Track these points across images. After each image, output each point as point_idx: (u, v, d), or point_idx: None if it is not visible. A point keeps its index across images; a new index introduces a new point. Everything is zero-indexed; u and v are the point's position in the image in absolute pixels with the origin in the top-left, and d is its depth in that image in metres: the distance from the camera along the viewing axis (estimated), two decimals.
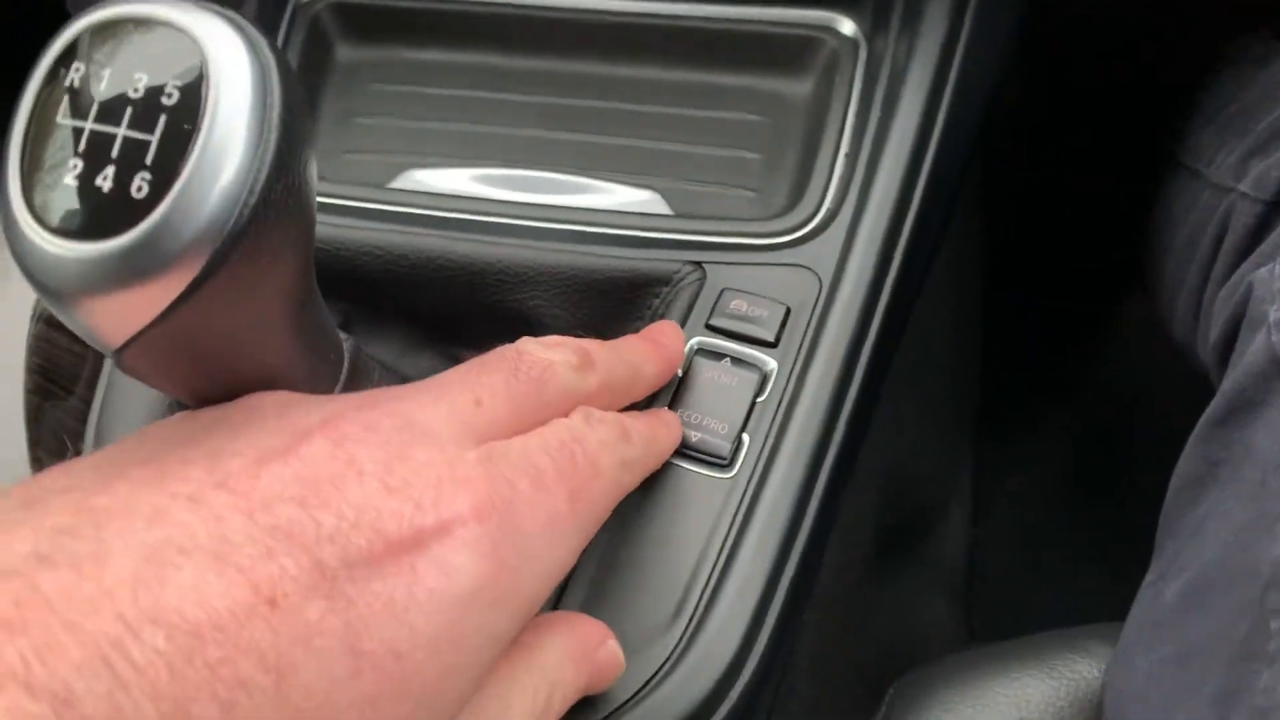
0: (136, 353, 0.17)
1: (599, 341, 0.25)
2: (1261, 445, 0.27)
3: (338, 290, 0.33)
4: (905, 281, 0.32)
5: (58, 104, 0.17)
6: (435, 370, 0.34)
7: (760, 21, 0.36)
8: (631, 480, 0.24)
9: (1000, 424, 0.63)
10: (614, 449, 0.23)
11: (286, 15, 0.39)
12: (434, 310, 0.33)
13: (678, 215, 0.34)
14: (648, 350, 0.27)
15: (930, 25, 0.35)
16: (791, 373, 0.29)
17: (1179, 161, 0.41)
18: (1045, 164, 0.59)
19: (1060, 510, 0.62)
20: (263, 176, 0.16)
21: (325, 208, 0.34)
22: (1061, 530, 0.61)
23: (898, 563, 0.53)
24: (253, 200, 0.16)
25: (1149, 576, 0.31)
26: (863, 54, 0.36)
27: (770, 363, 0.29)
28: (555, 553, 0.20)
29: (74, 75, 0.17)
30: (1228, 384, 0.29)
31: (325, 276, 0.33)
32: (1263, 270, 0.29)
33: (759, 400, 0.29)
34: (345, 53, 0.39)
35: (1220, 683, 0.25)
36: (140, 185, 0.16)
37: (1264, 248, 0.31)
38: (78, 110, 0.16)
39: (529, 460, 0.20)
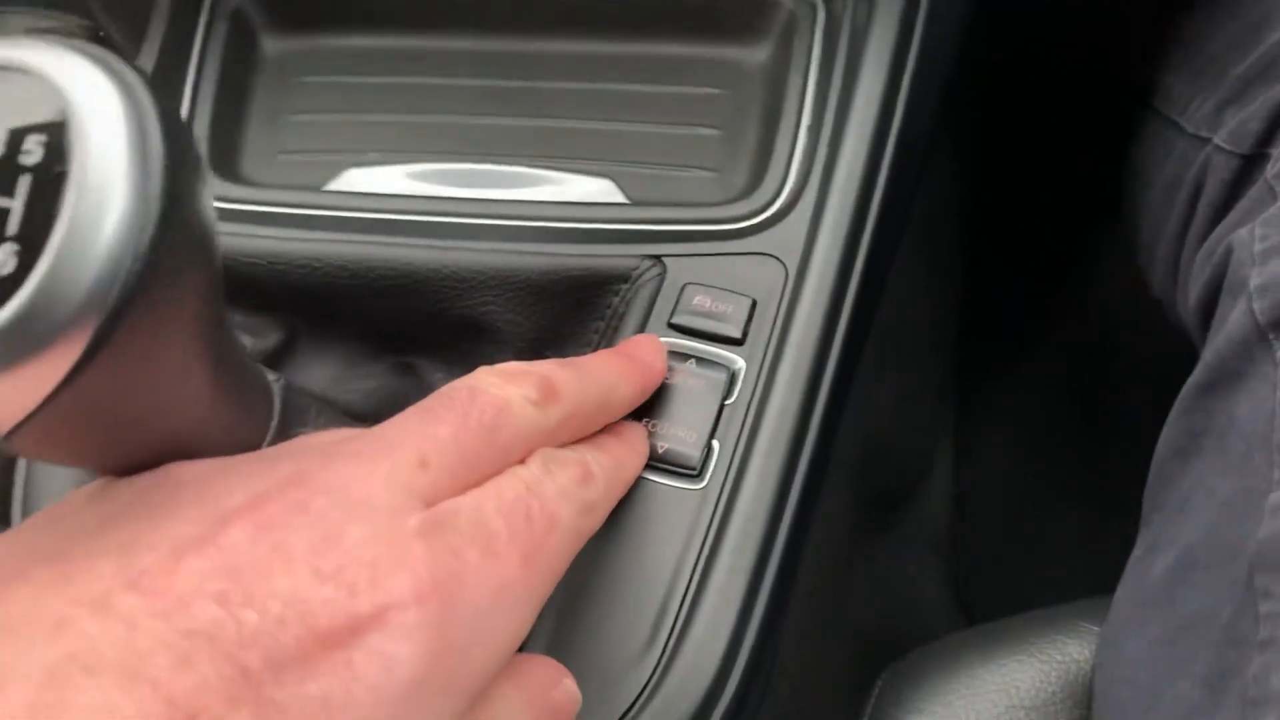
0: (26, 439, 0.16)
1: (567, 366, 0.23)
2: (1245, 417, 0.26)
3: (279, 304, 0.31)
4: (875, 262, 0.31)
5: None
6: (388, 384, 0.32)
7: (706, 4, 0.34)
8: (593, 524, 0.22)
9: (981, 379, 0.62)
10: (574, 496, 0.21)
11: (205, 9, 0.36)
12: (383, 319, 0.31)
13: (633, 204, 0.32)
14: (623, 369, 0.25)
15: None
16: (760, 371, 0.28)
17: (1153, 108, 0.40)
18: (1019, 117, 0.57)
19: (1044, 463, 0.61)
20: (148, 237, 0.15)
21: (257, 217, 0.32)
22: (1046, 483, 0.60)
23: (881, 531, 0.53)
24: (138, 266, 0.15)
25: (1136, 551, 0.30)
26: (821, 16, 0.34)
27: (738, 361, 0.28)
28: (508, 624, 0.19)
29: None
30: (1209, 354, 0.27)
31: (264, 292, 0.32)
32: (1242, 231, 0.28)
33: (727, 403, 0.27)
34: (272, 45, 0.37)
35: (1209, 664, 0.24)
36: (5, 259, 0.14)
37: (1243, 204, 0.30)
38: None
39: (479, 524, 0.19)
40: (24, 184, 0.14)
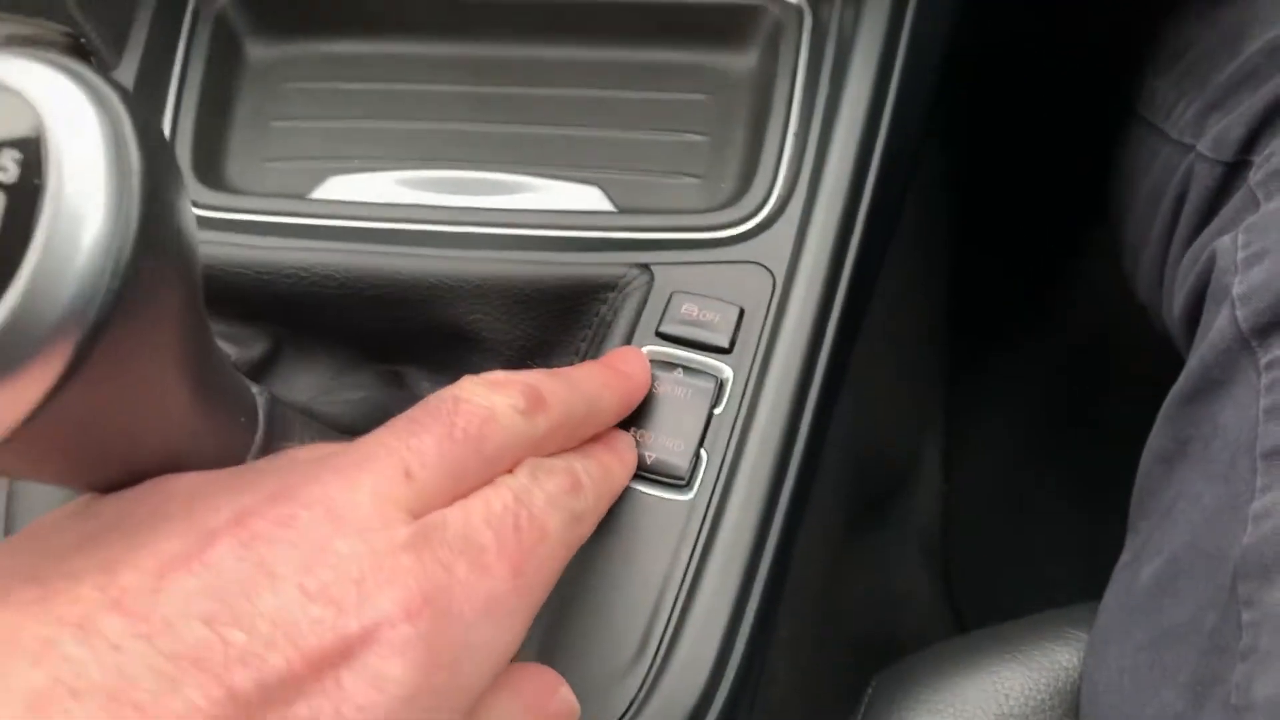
0: (7, 457, 0.15)
1: (551, 374, 0.23)
2: (1229, 425, 0.26)
3: (264, 314, 0.31)
4: (863, 268, 0.31)
5: None
6: (375, 395, 0.32)
7: (695, 8, 0.34)
8: (583, 533, 0.22)
9: (970, 378, 0.62)
10: (563, 505, 0.21)
11: (188, 15, 0.36)
12: (369, 328, 0.31)
13: (620, 211, 0.32)
14: (607, 379, 0.25)
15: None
16: (748, 380, 0.27)
17: (1137, 113, 0.40)
18: (1007, 115, 0.57)
19: (1034, 462, 0.62)
20: (126, 253, 0.14)
21: (243, 226, 0.31)
22: (1036, 483, 0.61)
23: (870, 529, 0.53)
24: (116, 283, 0.14)
25: (1124, 557, 0.30)
26: (808, 22, 0.34)
27: (725, 370, 0.28)
28: (499, 636, 0.19)
29: None
30: (1194, 361, 0.28)
31: (250, 302, 0.31)
32: (1225, 239, 0.28)
33: (716, 412, 0.27)
34: (256, 51, 0.37)
35: (1193, 672, 0.24)
36: None
37: (1225, 213, 0.30)
38: None
39: (467, 536, 0.19)
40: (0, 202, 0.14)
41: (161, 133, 0.16)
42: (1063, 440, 0.61)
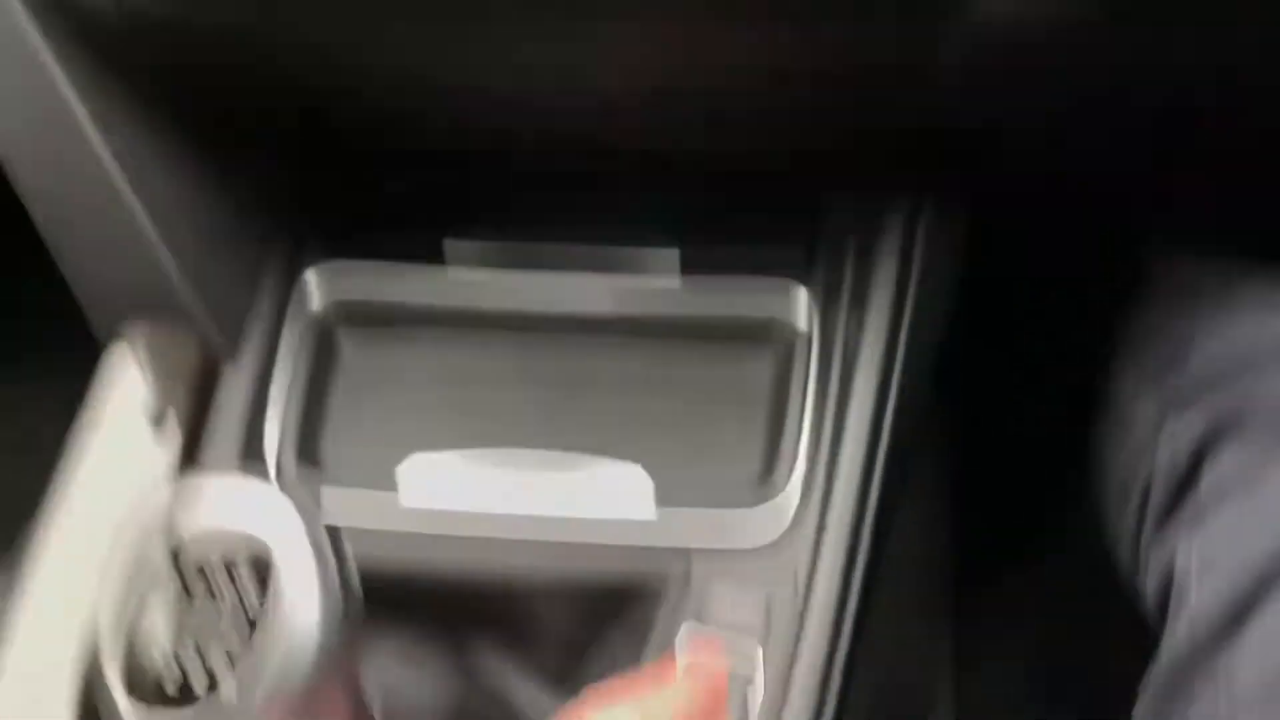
0: None
1: (659, 693, 0.26)
2: None
3: None
4: (875, 556, 0.36)
5: (149, 594, 0.20)
6: (455, 691, 0.36)
7: (720, 316, 0.41)
8: None
9: (979, 604, 0.64)
10: None
11: (291, 315, 0.42)
12: (435, 615, 0.36)
13: (662, 518, 0.36)
14: (701, 688, 0.27)
15: (876, 307, 0.40)
16: (779, 663, 0.32)
17: (1107, 399, 0.45)
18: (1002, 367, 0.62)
19: (1045, 688, 0.62)
20: (333, 634, 0.20)
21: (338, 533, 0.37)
22: (1048, 709, 0.61)
23: None
24: (329, 649, 0.19)
25: None
26: (815, 343, 0.40)
27: (758, 652, 0.32)
28: None
29: (167, 569, 0.20)
30: (1164, 660, 0.31)
31: None
32: (1181, 549, 0.32)
33: (749, 693, 0.31)
34: (349, 346, 0.43)
35: None
36: (223, 668, 0.19)
37: (1183, 515, 0.34)
38: (167, 599, 0.20)
39: None
40: (241, 614, 0.19)
41: (341, 536, 0.22)
42: (1075, 673, 0.62)
